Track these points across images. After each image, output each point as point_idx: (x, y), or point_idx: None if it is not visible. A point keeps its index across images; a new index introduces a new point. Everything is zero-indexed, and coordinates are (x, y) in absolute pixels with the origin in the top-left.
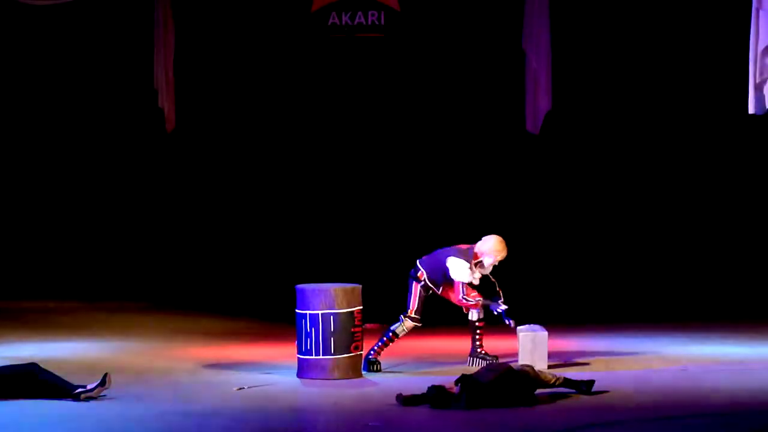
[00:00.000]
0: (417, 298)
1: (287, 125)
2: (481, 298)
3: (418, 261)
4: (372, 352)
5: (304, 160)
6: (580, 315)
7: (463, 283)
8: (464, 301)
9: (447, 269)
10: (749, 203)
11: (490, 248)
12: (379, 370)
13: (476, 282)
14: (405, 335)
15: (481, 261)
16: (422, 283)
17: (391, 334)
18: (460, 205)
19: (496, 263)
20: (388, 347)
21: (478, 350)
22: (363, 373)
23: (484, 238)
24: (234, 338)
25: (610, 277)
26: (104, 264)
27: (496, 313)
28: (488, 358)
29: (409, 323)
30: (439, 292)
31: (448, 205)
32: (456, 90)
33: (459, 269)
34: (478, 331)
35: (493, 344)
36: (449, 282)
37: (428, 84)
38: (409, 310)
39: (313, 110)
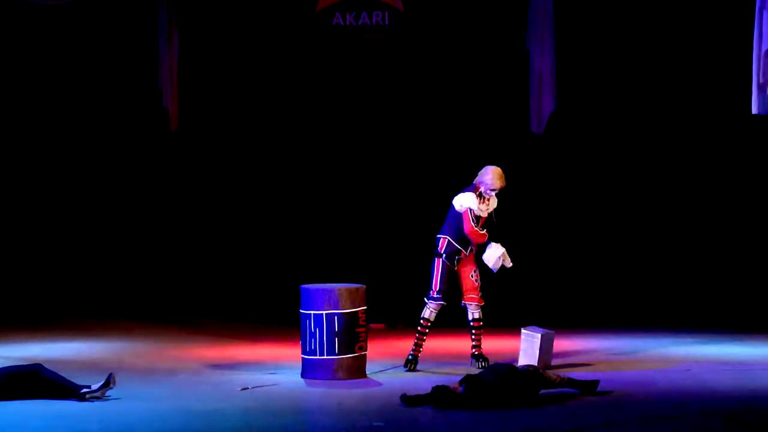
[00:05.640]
0: (439, 275)
1: (291, 125)
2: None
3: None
4: (414, 348)
5: (308, 160)
6: (585, 316)
7: (469, 212)
8: (475, 232)
9: (454, 210)
10: (754, 205)
11: (488, 177)
12: (412, 370)
13: (483, 214)
14: (435, 316)
15: (481, 193)
16: (443, 255)
17: (422, 320)
18: None
19: (497, 191)
20: (427, 335)
21: (473, 350)
22: (368, 373)
23: (482, 170)
24: (238, 338)
25: (615, 278)
26: (105, 264)
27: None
28: (480, 359)
29: (432, 304)
30: (456, 267)
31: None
32: (460, 90)
33: (462, 198)
34: (473, 332)
35: (496, 344)
36: (468, 254)
37: (432, 84)
38: (431, 291)
39: (317, 110)
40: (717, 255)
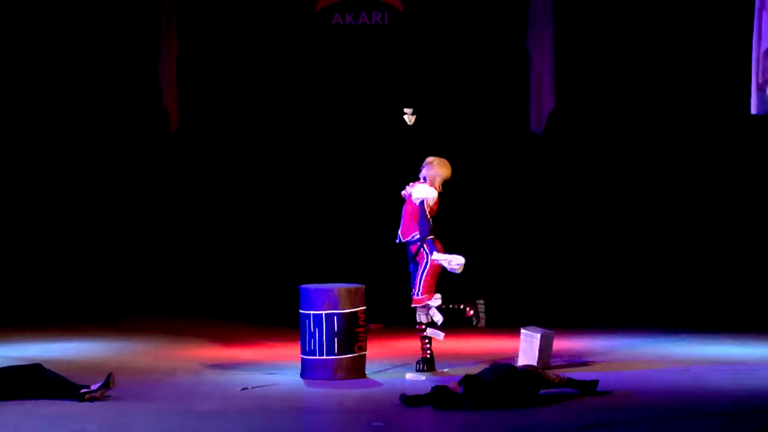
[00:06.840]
0: (413, 278)
1: (290, 125)
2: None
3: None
4: (422, 351)
5: (308, 160)
6: (584, 316)
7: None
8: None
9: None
10: (753, 205)
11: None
12: (422, 370)
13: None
14: (428, 317)
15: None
16: (411, 260)
17: (417, 325)
18: (463, 206)
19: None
20: (431, 339)
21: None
22: (367, 373)
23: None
24: (237, 339)
25: (614, 278)
26: (105, 263)
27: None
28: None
29: (429, 306)
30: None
31: (451, 206)
32: (460, 90)
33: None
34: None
35: (496, 344)
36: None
37: (432, 84)
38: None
39: (317, 110)
40: (716, 255)
